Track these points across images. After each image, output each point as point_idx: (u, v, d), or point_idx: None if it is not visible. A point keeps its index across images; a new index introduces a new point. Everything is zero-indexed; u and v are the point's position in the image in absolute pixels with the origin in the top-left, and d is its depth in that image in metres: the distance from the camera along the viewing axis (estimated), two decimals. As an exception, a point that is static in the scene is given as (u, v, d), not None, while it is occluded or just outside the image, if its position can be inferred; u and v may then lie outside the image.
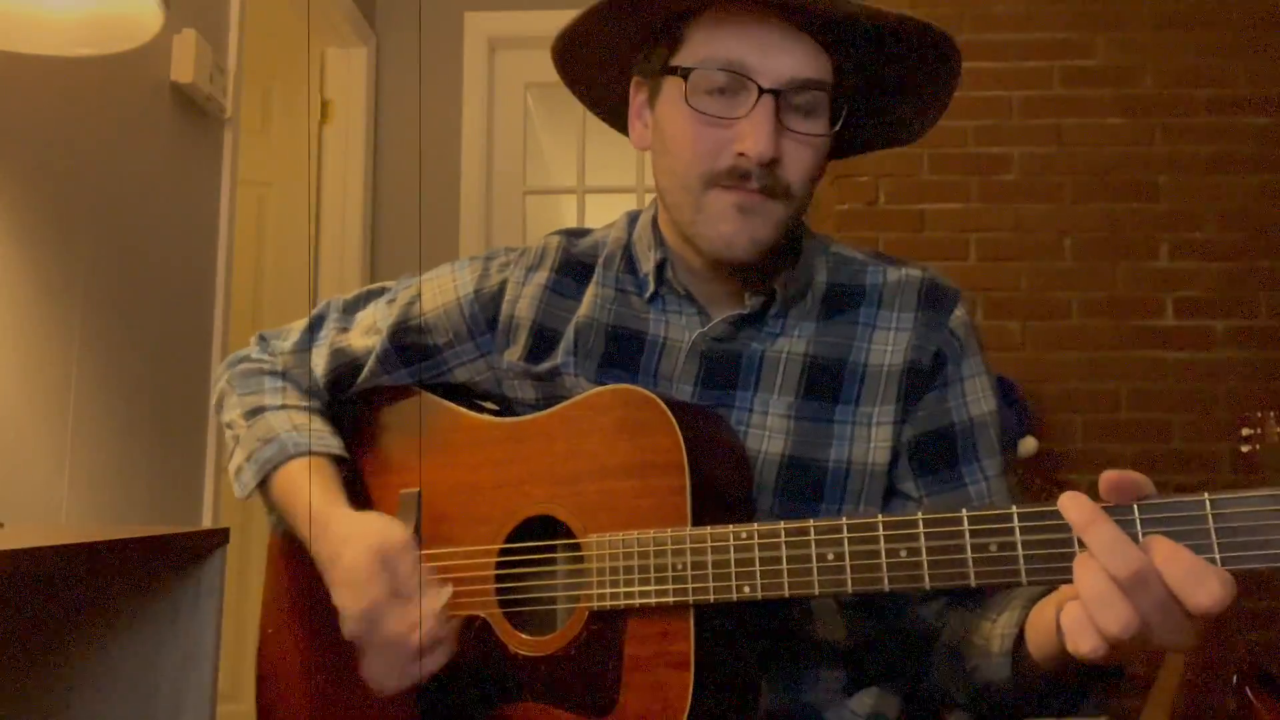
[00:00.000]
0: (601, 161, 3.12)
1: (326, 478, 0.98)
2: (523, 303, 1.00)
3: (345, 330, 1.07)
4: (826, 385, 0.92)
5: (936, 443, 0.92)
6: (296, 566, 1.02)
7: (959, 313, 0.95)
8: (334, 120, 3.16)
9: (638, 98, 0.97)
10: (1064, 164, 2.97)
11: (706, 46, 0.87)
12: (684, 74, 0.88)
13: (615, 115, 1.03)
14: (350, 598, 0.87)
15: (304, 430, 1.01)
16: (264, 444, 1.00)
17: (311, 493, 0.95)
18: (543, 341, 0.98)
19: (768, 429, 0.91)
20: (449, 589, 0.87)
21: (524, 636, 0.87)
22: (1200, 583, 0.58)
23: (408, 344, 1.03)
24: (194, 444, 2.04)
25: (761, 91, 0.85)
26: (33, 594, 1.21)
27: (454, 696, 0.89)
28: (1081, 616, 0.61)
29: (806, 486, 0.89)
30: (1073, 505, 0.63)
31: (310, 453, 0.99)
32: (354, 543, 0.89)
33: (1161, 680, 1.91)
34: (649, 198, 1.00)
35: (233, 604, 2.83)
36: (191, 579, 1.19)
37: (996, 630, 0.80)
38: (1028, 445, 2.71)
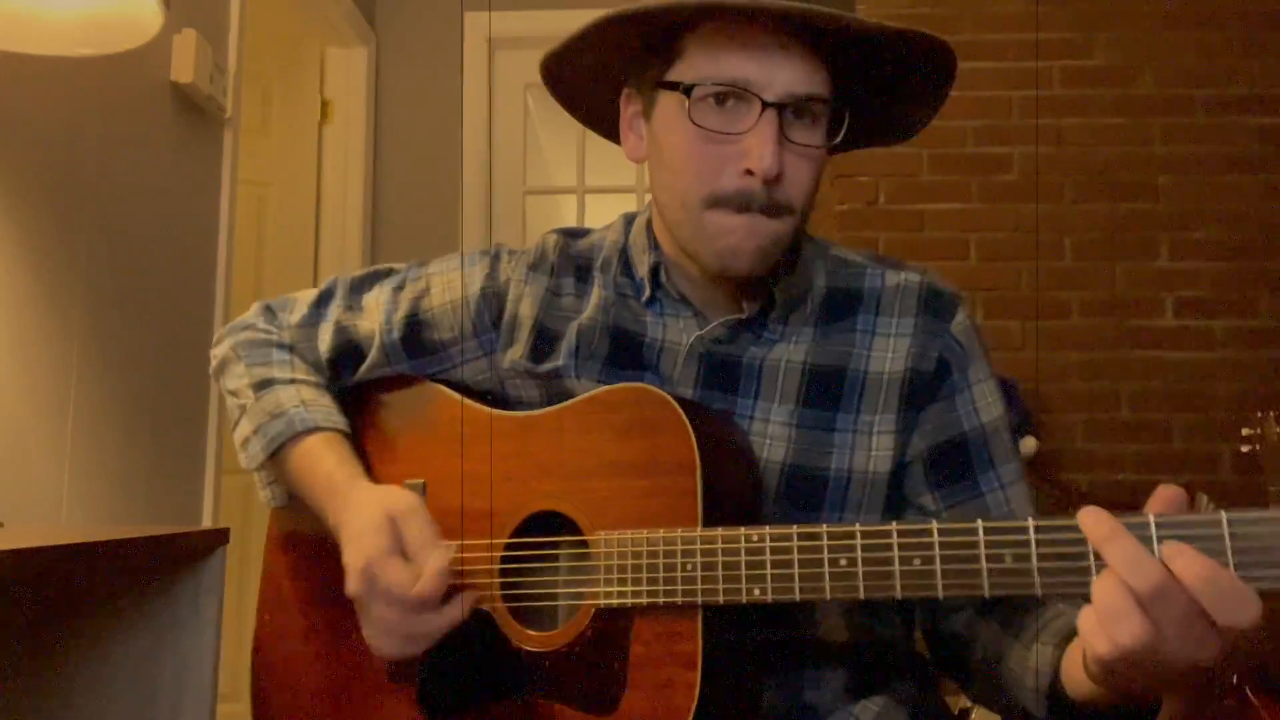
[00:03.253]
0: (601, 162, 3.12)
1: (343, 452, 0.99)
2: (525, 301, 1.00)
3: (351, 310, 1.07)
4: (827, 393, 0.91)
5: (951, 453, 0.91)
6: (298, 551, 1.02)
7: (960, 318, 0.94)
8: (334, 121, 3.16)
9: (629, 109, 0.96)
10: (1064, 164, 2.97)
11: (707, 61, 0.85)
12: (685, 90, 0.85)
13: (610, 128, 1.02)
14: (355, 552, 0.88)
15: (313, 407, 1.01)
16: (272, 419, 1.01)
17: (329, 464, 0.97)
18: (544, 341, 0.98)
19: (769, 437, 0.90)
20: (452, 547, 0.87)
21: (529, 632, 0.86)
22: (1242, 603, 0.59)
23: (416, 338, 1.03)
24: (194, 444, 2.04)
25: (765, 106, 0.83)
26: (33, 594, 1.21)
27: (456, 691, 0.89)
28: (1096, 624, 0.62)
29: (807, 495, 0.89)
30: (1091, 520, 0.63)
31: (317, 428, 0.99)
32: (366, 506, 0.90)
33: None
34: (649, 198, 0.99)
35: (232, 604, 2.84)
36: (191, 579, 1.19)
37: (1030, 664, 0.80)
38: (1027, 445, 2.71)
